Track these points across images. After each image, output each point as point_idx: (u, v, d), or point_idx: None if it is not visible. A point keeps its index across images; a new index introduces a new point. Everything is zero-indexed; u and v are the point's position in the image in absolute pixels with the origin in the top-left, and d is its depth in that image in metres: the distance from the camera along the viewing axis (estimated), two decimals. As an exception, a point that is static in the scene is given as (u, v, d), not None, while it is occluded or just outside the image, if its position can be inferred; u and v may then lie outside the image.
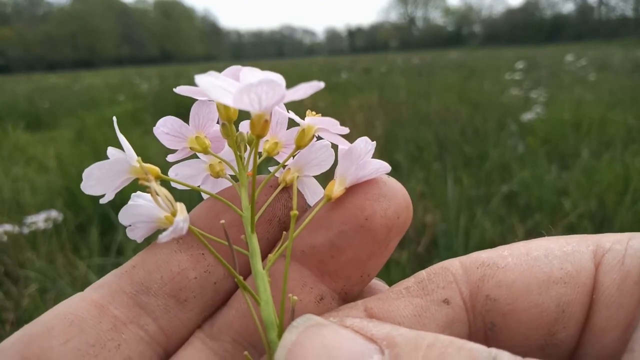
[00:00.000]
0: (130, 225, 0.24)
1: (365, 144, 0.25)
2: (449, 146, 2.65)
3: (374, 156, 0.25)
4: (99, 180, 0.23)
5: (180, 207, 0.21)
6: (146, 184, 0.21)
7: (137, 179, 0.23)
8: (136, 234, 0.24)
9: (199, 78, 0.19)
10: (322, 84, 0.20)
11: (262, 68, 0.21)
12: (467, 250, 1.48)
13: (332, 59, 24.48)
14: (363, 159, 0.24)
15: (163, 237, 0.19)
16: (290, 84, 0.19)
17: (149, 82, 9.34)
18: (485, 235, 1.58)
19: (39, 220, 1.63)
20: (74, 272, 1.47)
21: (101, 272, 1.50)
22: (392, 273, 1.39)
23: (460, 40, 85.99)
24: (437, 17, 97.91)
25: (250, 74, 0.21)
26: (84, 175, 0.22)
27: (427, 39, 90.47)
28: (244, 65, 0.22)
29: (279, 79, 0.19)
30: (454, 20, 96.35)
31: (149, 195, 0.22)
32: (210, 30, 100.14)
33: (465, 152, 2.53)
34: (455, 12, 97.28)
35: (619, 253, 0.22)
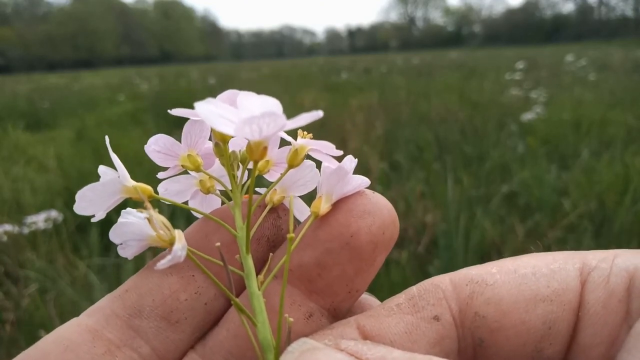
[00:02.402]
0: (121, 244, 0.24)
1: (351, 162, 0.25)
2: (449, 146, 2.65)
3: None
4: (91, 202, 0.23)
5: (179, 234, 0.21)
6: (144, 212, 0.22)
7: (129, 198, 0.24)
8: (127, 252, 0.24)
9: (199, 106, 0.19)
10: (321, 113, 0.20)
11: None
12: (467, 250, 1.48)
13: (332, 59, 24.47)
14: (347, 176, 0.25)
15: (161, 265, 0.19)
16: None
17: (149, 82, 9.34)
18: (485, 235, 1.58)
19: (39, 220, 1.63)
20: (74, 272, 1.47)
21: (101, 272, 1.50)
22: (392, 273, 1.39)
23: (460, 40, 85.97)
24: (437, 17, 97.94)
25: (247, 101, 0.21)
26: (77, 197, 0.23)
27: (427, 39, 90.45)
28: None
29: (278, 109, 0.20)
30: (454, 20, 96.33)
31: (138, 212, 0.23)
32: (210, 30, 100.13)
33: (465, 152, 2.53)
34: (455, 12, 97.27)
35: (604, 271, 0.22)
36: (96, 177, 0.25)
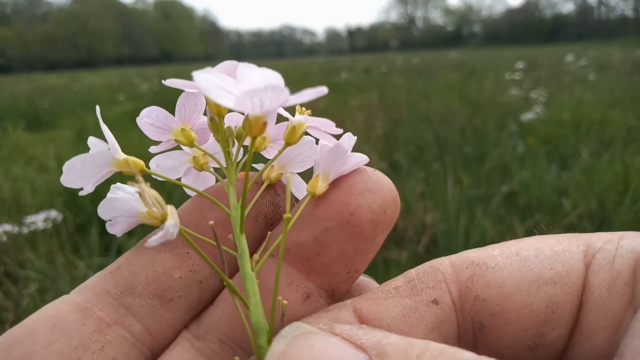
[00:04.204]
0: (110, 220, 0.23)
1: (349, 140, 0.24)
2: (449, 146, 2.64)
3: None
4: (80, 174, 0.22)
5: (171, 210, 0.20)
6: (135, 185, 0.20)
7: (119, 173, 0.23)
8: (116, 229, 0.23)
9: (197, 75, 0.18)
10: (325, 89, 0.19)
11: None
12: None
13: (332, 59, 24.47)
14: (346, 155, 0.24)
15: (152, 241, 0.18)
16: (290, 85, 0.19)
17: (148, 82, 9.34)
18: (485, 235, 1.58)
19: (39, 220, 1.63)
20: (74, 272, 1.47)
21: (101, 272, 1.50)
22: (392, 273, 1.39)
23: (460, 40, 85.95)
24: (437, 17, 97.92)
25: (248, 73, 0.20)
26: (64, 168, 0.21)
27: (427, 39, 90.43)
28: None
29: (280, 82, 0.19)
30: (454, 20, 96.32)
31: (129, 187, 0.21)
32: (210, 30, 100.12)
33: (465, 152, 2.53)
34: (455, 12, 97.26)
35: (609, 253, 0.21)
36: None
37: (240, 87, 0.19)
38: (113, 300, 0.23)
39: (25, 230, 1.60)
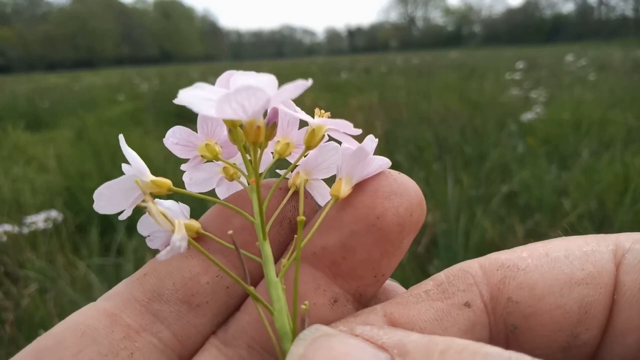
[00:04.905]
0: (149, 236, 0.24)
1: (372, 142, 0.24)
2: (449, 146, 2.65)
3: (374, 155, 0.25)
4: (109, 200, 0.23)
5: (178, 224, 0.21)
6: (142, 204, 0.21)
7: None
8: (155, 243, 0.24)
9: (182, 93, 0.18)
10: (309, 82, 0.19)
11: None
12: (467, 250, 1.48)
13: (332, 59, 24.47)
14: (368, 157, 0.24)
15: (161, 256, 0.19)
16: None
17: (148, 82, 9.34)
18: (485, 235, 1.58)
19: (39, 220, 1.63)
20: (74, 272, 1.47)
21: (101, 272, 1.50)
22: (392, 274, 1.38)
23: (460, 40, 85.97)
24: (437, 17, 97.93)
25: (240, 79, 0.20)
26: (94, 196, 0.22)
27: (427, 39, 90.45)
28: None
29: (264, 83, 0.19)
30: (454, 20, 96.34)
31: (166, 202, 0.22)
32: (209, 30, 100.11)
33: (465, 152, 2.53)
34: (455, 12, 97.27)
35: (639, 253, 0.22)
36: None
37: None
38: (141, 307, 0.23)
39: (25, 230, 1.60)
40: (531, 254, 0.23)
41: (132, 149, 0.22)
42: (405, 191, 0.23)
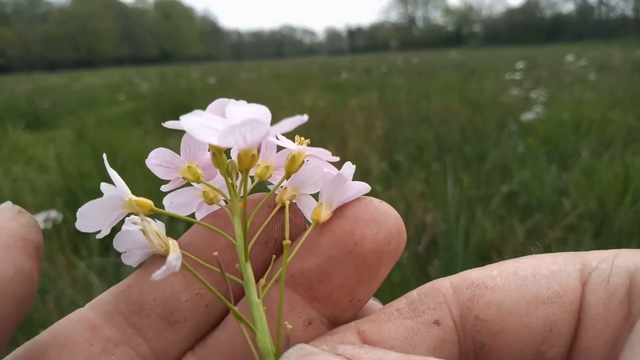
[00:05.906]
0: (125, 252, 0.24)
1: (350, 169, 0.25)
2: (449, 146, 2.65)
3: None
4: (92, 219, 0.23)
5: (173, 244, 0.21)
6: (137, 222, 0.22)
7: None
8: (131, 260, 0.24)
9: (184, 119, 0.19)
10: (305, 118, 0.20)
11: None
12: (467, 250, 1.48)
13: (332, 58, 24.47)
14: (347, 183, 0.25)
15: (157, 275, 0.20)
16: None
17: (148, 81, 9.35)
18: (485, 235, 1.58)
19: (39, 220, 1.63)
20: (74, 272, 1.47)
21: (101, 272, 1.50)
22: (392, 273, 1.39)
23: (460, 40, 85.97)
24: (437, 17, 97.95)
25: (236, 110, 0.21)
26: (78, 214, 0.23)
27: (427, 39, 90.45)
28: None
29: (262, 115, 0.20)
30: (454, 20, 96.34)
31: (150, 220, 0.23)
32: (210, 30, 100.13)
33: (465, 152, 2.53)
34: (455, 12, 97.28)
35: (604, 272, 0.22)
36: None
37: (225, 124, 0.20)
38: (122, 319, 0.24)
39: (25, 230, 1.60)
40: (500, 273, 0.23)
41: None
42: (385, 219, 0.24)
